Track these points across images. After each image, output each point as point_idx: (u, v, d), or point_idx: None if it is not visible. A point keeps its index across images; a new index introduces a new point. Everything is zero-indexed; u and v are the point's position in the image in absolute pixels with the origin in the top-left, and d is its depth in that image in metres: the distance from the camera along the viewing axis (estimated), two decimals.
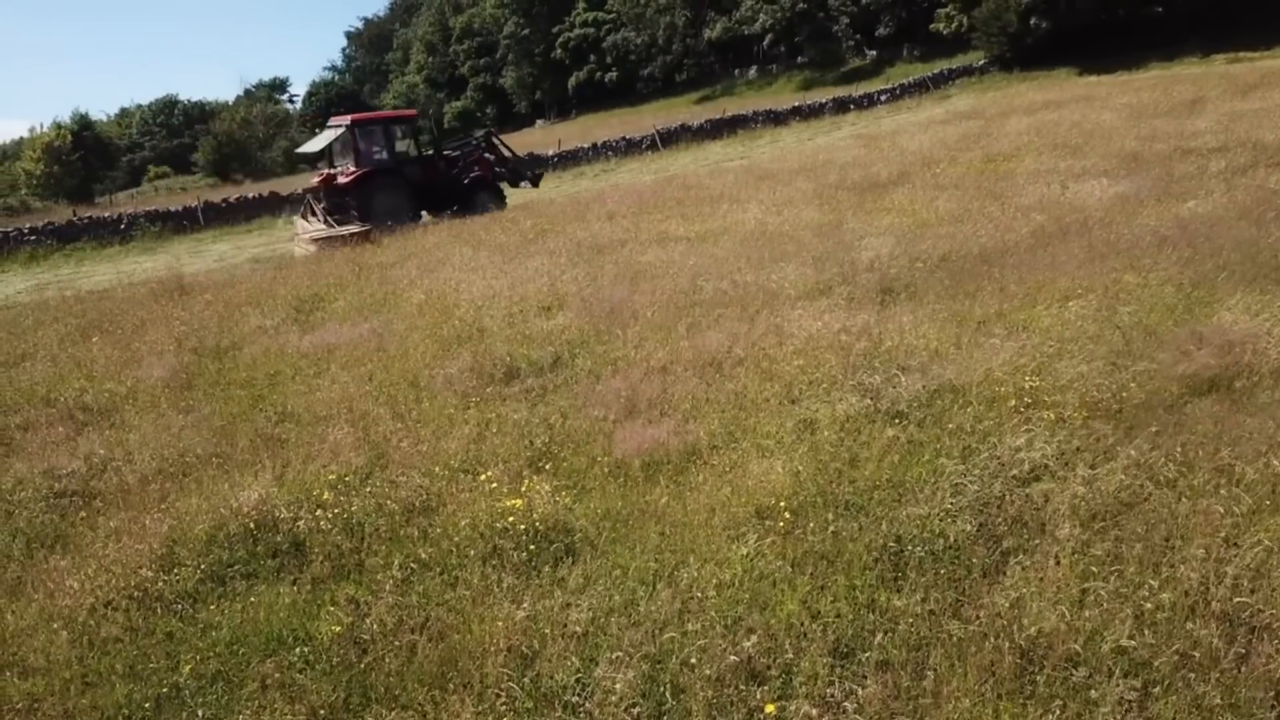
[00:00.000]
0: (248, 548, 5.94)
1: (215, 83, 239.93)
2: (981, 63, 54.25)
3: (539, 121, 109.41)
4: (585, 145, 39.15)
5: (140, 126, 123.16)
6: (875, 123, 40.53)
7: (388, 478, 6.71)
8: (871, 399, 6.63)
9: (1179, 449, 5.17)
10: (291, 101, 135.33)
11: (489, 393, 8.44)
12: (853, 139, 31.47)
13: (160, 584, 5.58)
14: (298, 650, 4.83)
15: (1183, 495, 4.72)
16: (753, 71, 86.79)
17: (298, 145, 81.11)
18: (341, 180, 22.33)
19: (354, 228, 21.21)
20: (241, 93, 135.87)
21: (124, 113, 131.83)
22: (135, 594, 5.49)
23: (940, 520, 4.89)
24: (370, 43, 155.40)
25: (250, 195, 35.06)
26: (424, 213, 23.99)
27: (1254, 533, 4.33)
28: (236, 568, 5.78)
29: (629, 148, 39.40)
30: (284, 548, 5.90)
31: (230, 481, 6.87)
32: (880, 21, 69.89)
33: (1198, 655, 3.68)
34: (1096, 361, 6.70)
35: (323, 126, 24.81)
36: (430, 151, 24.94)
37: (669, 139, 40.37)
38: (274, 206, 33.21)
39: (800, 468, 5.68)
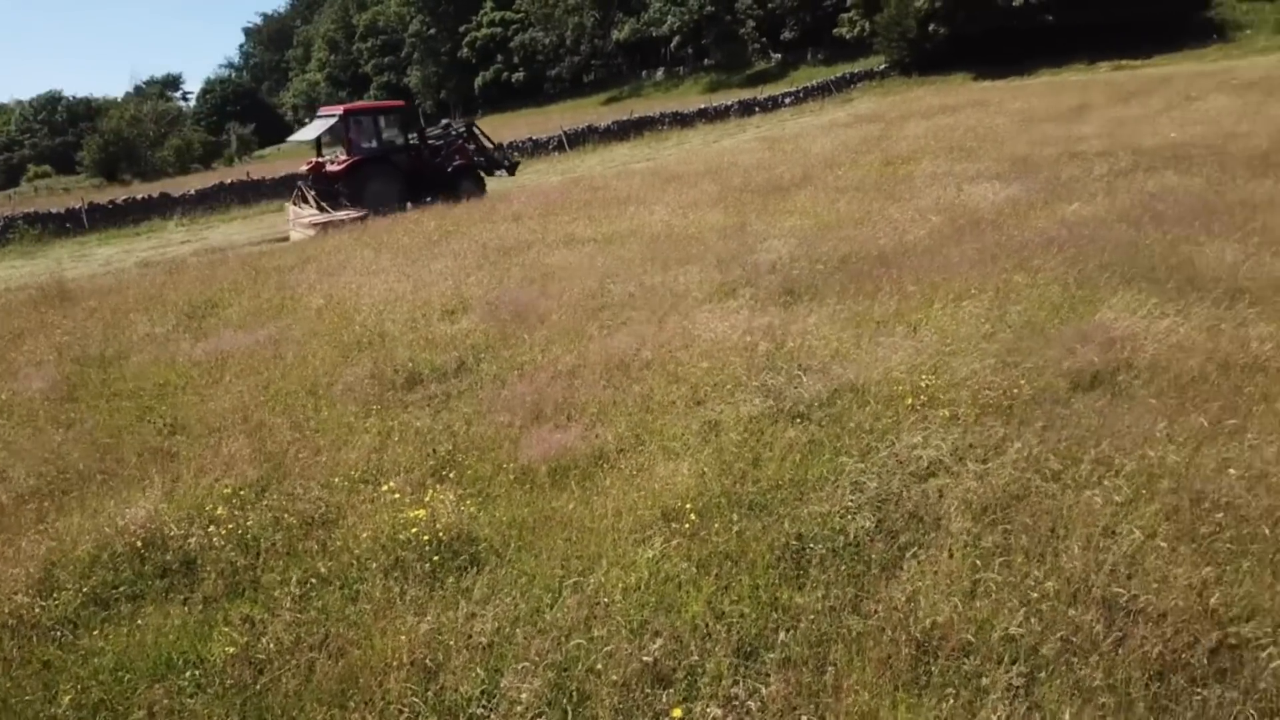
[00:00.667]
0: (134, 568, 5.70)
1: (104, 79, 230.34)
2: (883, 67, 55.65)
3: (444, 121, 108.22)
4: (490, 145, 38.69)
5: (19, 123, 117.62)
6: (779, 125, 41.18)
7: (285, 490, 6.53)
8: (774, 400, 6.73)
9: (1064, 443, 5.39)
10: (185, 99, 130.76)
11: (391, 400, 8.29)
12: (757, 141, 31.92)
13: (37, 610, 5.31)
14: (188, 674, 4.66)
15: (1067, 487, 4.92)
16: (660, 73, 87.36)
17: (190, 144, 78.64)
18: (333, 168, 23.19)
19: (353, 213, 21.98)
20: (132, 89, 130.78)
21: (1, 109, 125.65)
22: (9, 621, 5.22)
23: (840, 517, 5.00)
24: (270, 39, 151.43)
25: (139, 196, 33.71)
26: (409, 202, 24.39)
27: (1131, 522, 4.54)
28: (122, 589, 5.54)
29: (535, 149, 39.23)
30: (174, 567, 5.69)
31: (116, 498, 6.58)
32: (785, 25, 71.16)
33: (1079, 640, 3.84)
34: (989, 359, 6.93)
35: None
36: (416, 140, 25.58)
37: (576, 140, 40.32)
38: (165, 208, 32.01)
39: (705, 469, 5.73)
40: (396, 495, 5.96)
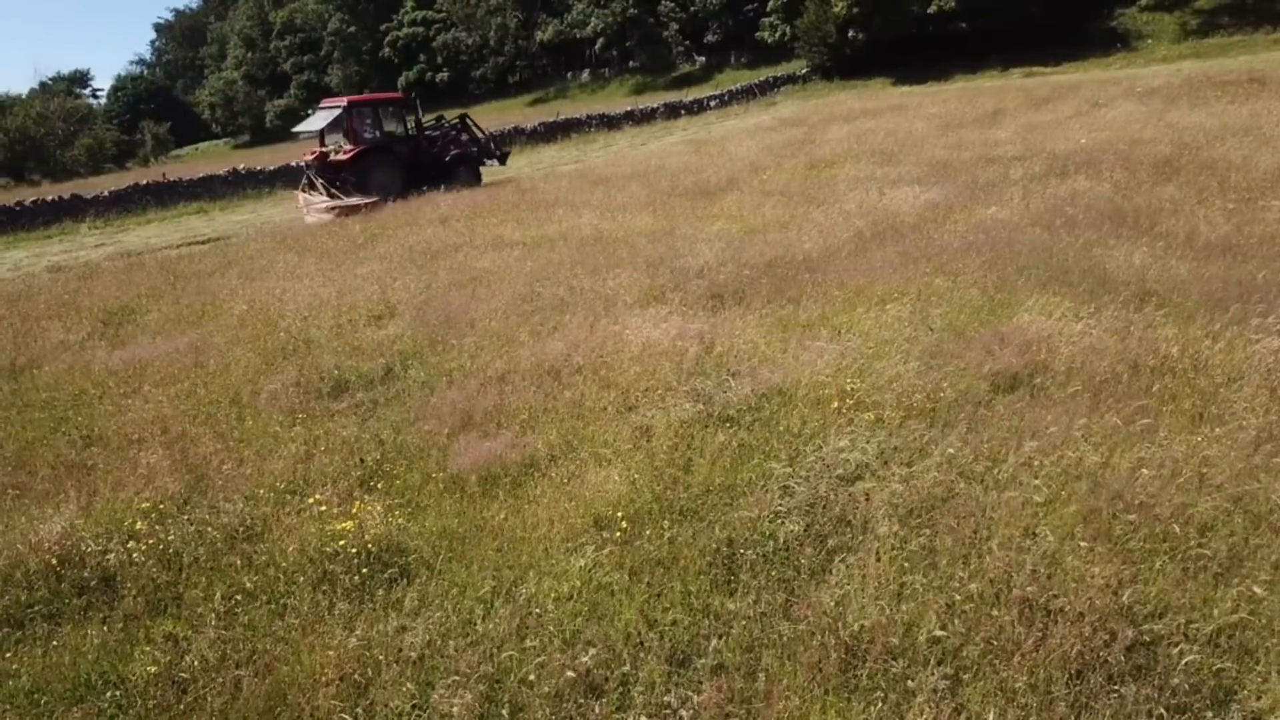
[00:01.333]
0: (50, 586, 5.50)
1: (5, 74, 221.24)
2: (804, 71, 56.46)
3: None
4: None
5: None
6: (706, 128, 41.49)
7: (208, 503, 6.36)
8: (704, 404, 6.78)
9: (986, 445, 5.54)
10: (95, 96, 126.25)
11: (317, 408, 8.13)
12: (684, 144, 32.11)
13: None
14: (109, 695, 4.51)
15: (989, 489, 5.06)
16: (585, 74, 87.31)
17: (102, 143, 75.95)
18: (340, 157, 24.25)
19: (366, 199, 23.15)
20: (37, 85, 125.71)
21: None
22: None
23: (770, 522, 5.06)
24: (182, 36, 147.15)
25: (49, 198, 32.41)
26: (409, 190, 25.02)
27: (1050, 522, 4.69)
28: (37, 609, 5.34)
29: None
30: (92, 584, 5.50)
31: (28, 514, 6.34)
32: (709, 29, 71.76)
33: (1002, 641, 3.95)
34: (912, 362, 7.09)
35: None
36: (415, 131, 26.60)
37: (502, 142, 39.98)
38: (77, 210, 30.83)
39: (637, 475, 5.75)
40: (323, 507, 5.85)
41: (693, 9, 70.77)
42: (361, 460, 6.65)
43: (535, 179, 27.23)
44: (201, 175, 33.56)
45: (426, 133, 27.20)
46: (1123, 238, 10.62)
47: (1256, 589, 4.14)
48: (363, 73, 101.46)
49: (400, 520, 5.63)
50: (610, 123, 44.66)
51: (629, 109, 47.10)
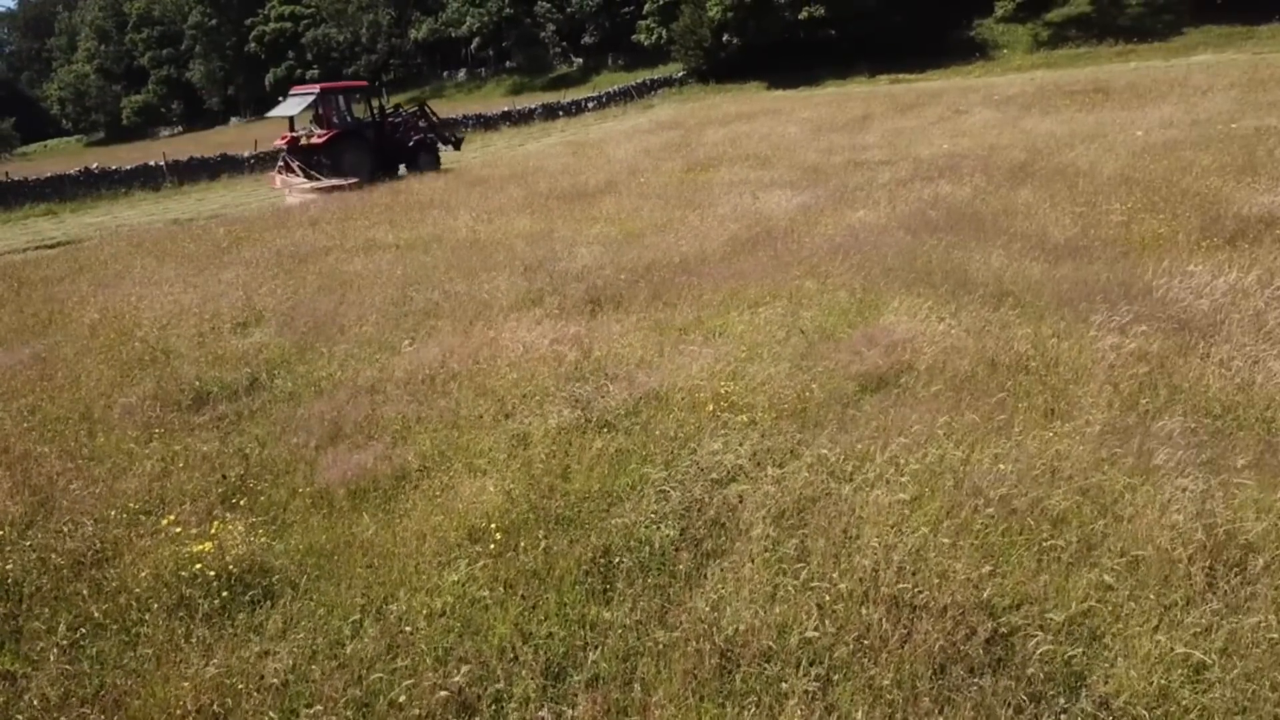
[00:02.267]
0: None
1: None
2: (681, 74, 57.11)
3: (234, 119, 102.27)
4: (283, 145, 36.90)
5: None
6: (584, 130, 41.49)
7: (53, 527, 5.95)
8: (582, 410, 6.73)
9: (856, 444, 5.67)
10: None
11: (176, 422, 7.72)
12: (563, 146, 32.03)
13: None
14: None
15: (859, 488, 5.17)
16: (462, 74, 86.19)
17: None
18: (314, 140, 25.57)
19: (346, 180, 24.43)
20: None
21: None
22: None
23: (646, 528, 5.05)
24: (28, 26, 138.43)
25: None
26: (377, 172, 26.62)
27: (915, 519, 4.83)
28: None
29: None
30: None
31: None
32: (586, 30, 71.81)
33: (870, 640, 4.03)
34: (783, 364, 7.21)
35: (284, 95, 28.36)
36: (379, 117, 28.04)
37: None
38: None
39: (513, 485, 5.65)
40: (179, 528, 5.54)
41: (569, 10, 70.70)
42: (224, 476, 6.34)
43: (409, 180, 26.67)
44: (50, 174, 31.57)
45: (389, 119, 28.55)
46: (981, 240, 11.07)
47: (1106, 577, 4.36)
48: (227, 69, 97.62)
49: (264, 539, 5.38)
50: (487, 123, 44.18)
51: (506, 109, 46.69)
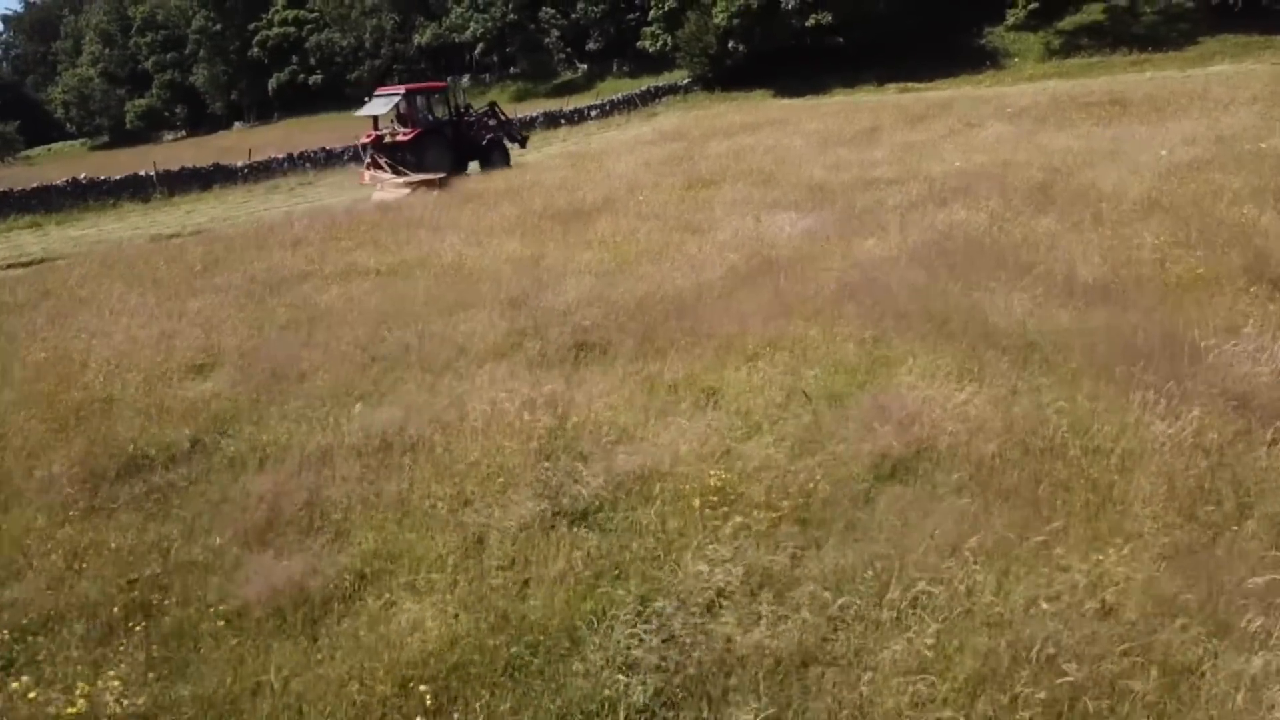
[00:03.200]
0: None
1: None
2: (686, 81, 56.23)
3: (237, 124, 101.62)
4: (280, 156, 36.23)
5: None
6: (585, 139, 40.68)
7: None
8: (551, 500, 5.85)
9: (866, 568, 4.75)
10: None
11: (99, 499, 6.85)
12: (562, 158, 31.15)
13: None
14: None
15: (870, 631, 4.28)
16: (466, 79, 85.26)
17: None
18: (400, 138, 27.25)
19: (435, 174, 25.88)
20: None
21: None
22: None
23: (611, 686, 4.15)
24: (33, 29, 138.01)
25: None
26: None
27: (943, 688, 3.92)
28: None
29: (329, 160, 36.92)
30: None
31: None
32: (590, 36, 70.99)
33: None
34: (784, 442, 6.32)
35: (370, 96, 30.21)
36: (456, 115, 29.73)
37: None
38: None
39: (460, 613, 4.75)
40: (34, 692, 4.45)
41: (574, 16, 69.83)
42: (131, 581, 5.46)
43: (402, 194, 25.82)
44: (36, 185, 30.80)
45: (465, 117, 30.06)
46: (1002, 280, 10.17)
47: None
48: (230, 73, 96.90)
49: (155, 686, 4.48)
50: None
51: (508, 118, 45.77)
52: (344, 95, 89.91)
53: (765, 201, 17.89)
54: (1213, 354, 6.87)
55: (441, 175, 26.04)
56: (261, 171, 34.80)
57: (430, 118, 28.50)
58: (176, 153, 67.19)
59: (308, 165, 36.08)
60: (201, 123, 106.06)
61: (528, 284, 12.79)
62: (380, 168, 27.24)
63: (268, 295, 13.59)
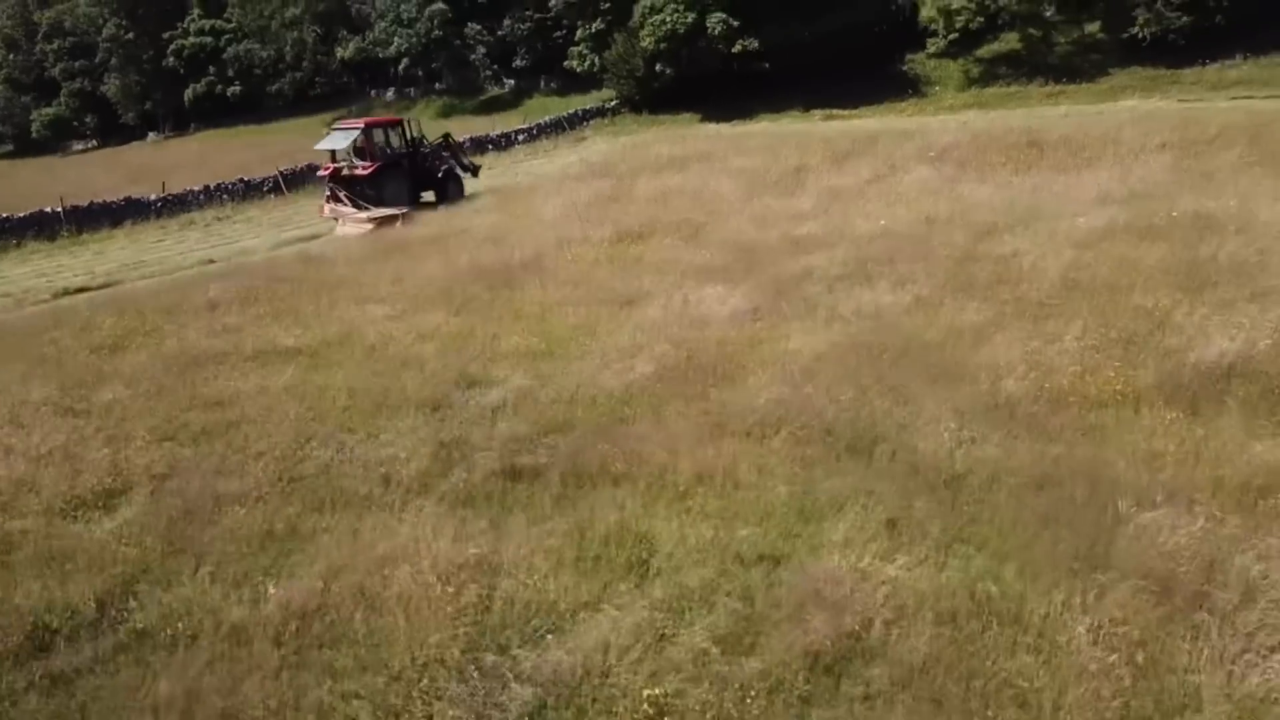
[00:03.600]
0: None
1: None
2: (614, 103, 56.20)
3: (151, 134, 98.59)
4: (196, 189, 35.11)
5: None
6: (513, 169, 40.31)
7: None
8: (477, 714, 5.64)
9: None
10: None
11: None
12: (490, 196, 30.66)
13: None
14: None
15: None
16: (390, 93, 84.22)
17: None
18: (359, 172, 28.01)
19: (397, 209, 26.93)
20: None
21: None
22: None
23: None
24: None
25: None
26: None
27: None
28: None
29: (248, 192, 35.98)
30: None
31: None
32: (517, 54, 70.53)
33: None
34: (720, 631, 6.21)
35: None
36: (412, 148, 30.51)
37: (294, 181, 37.42)
38: None
39: None
40: None
41: (500, 33, 69.31)
42: None
43: (323, 239, 25.25)
44: None
45: (420, 149, 30.87)
46: (930, 387, 10.29)
47: None
48: (144, 83, 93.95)
49: None
50: None
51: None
52: (263, 107, 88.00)
53: (694, 265, 17.86)
54: (1133, 523, 6.96)
55: (403, 210, 26.94)
56: (176, 205, 33.72)
57: (389, 151, 29.45)
58: (85, 169, 64.74)
59: (225, 197, 35.09)
60: (113, 133, 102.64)
61: (454, 375, 12.54)
62: (340, 201, 28.03)
63: (181, 386, 13.07)
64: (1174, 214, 17.48)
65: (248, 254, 24.98)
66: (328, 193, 28.60)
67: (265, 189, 36.51)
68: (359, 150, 28.64)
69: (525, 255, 20.00)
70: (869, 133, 36.99)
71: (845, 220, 21.02)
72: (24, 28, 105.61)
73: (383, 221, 26.26)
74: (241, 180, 36.30)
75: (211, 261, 24.11)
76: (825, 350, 11.99)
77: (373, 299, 17.36)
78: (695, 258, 18.66)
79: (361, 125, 29.54)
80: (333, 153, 29.01)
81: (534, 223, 24.58)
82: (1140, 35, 43.48)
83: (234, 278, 20.32)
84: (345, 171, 28.51)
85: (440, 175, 31.03)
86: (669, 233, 21.43)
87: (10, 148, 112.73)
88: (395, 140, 30.08)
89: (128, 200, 32.72)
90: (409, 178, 29.56)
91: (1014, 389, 10.21)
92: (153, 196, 33.60)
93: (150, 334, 16.20)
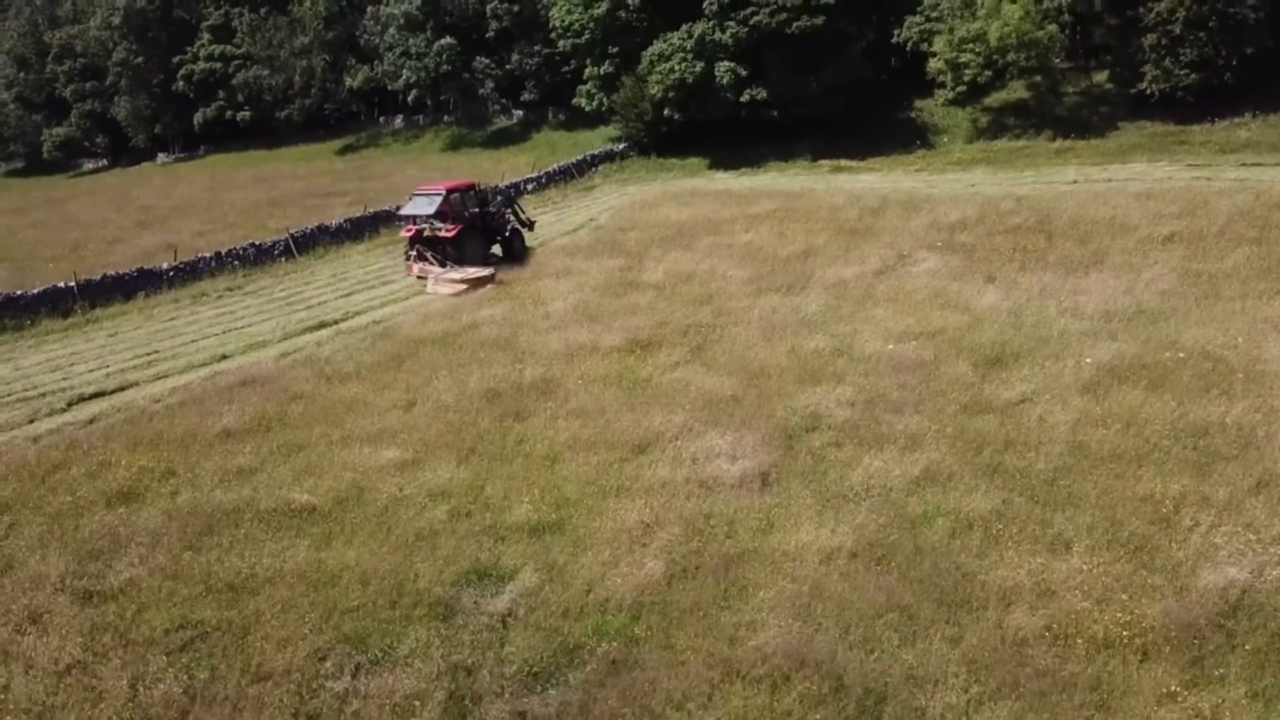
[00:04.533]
0: None
1: None
2: (622, 145, 56.30)
3: (161, 155, 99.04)
4: (208, 255, 35.29)
5: None
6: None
7: None
8: None
9: None
10: None
11: None
12: (500, 270, 30.83)
13: None
14: None
15: None
16: (399, 121, 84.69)
17: None
18: (445, 234, 30.18)
19: (484, 270, 29.68)
20: None
21: None
22: None
23: None
24: None
25: None
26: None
27: None
28: None
29: (259, 257, 36.17)
30: None
31: None
32: (525, 86, 70.77)
33: None
34: None
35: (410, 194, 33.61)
36: (483, 210, 32.78)
37: (305, 244, 37.64)
38: None
39: None
40: None
41: (509, 67, 69.53)
42: None
43: (328, 335, 25.37)
44: None
45: (488, 209, 33.09)
46: (940, 629, 10.40)
47: None
48: (153, 106, 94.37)
49: None
50: None
51: None
52: (273, 131, 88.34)
53: (703, 394, 18.00)
54: None
55: (490, 272, 29.34)
56: (188, 274, 33.88)
57: (466, 213, 31.40)
58: (97, 195, 64.79)
59: (236, 264, 35.29)
60: (124, 153, 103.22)
61: (465, 562, 12.71)
62: (427, 260, 30.32)
63: (196, 562, 13.21)
64: (1180, 354, 17.55)
65: (260, 346, 25.11)
66: (414, 253, 30.86)
67: (276, 252, 36.68)
68: (439, 214, 30.45)
69: (535, 373, 20.15)
70: (878, 197, 37.04)
71: (853, 333, 21.14)
72: (35, 47, 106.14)
73: (476, 283, 28.41)
74: (252, 245, 36.41)
75: (224, 358, 24.22)
76: (834, 548, 12.12)
77: (384, 435, 17.48)
78: (705, 382, 18.79)
79: (443, 190, 31.55)
80: (413, 217, 31.20)
81: (542, 319, 24.74)
82: (1149, 91, 43.45)
83: (246, 392, 20.48)
84: (427, 233, 30.44)
85: (507, 234, 33.20)
86: (678, 341, 21.58)
87: (21, 164, 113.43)
88: (469, 202, 32.08)
89: (140, 271, 32.85)
90: (483, 237, 32.00)
91: (1023, 624, 10.32)
92: (165, 265, 33.74)
93: (165, 477, 16.37)
